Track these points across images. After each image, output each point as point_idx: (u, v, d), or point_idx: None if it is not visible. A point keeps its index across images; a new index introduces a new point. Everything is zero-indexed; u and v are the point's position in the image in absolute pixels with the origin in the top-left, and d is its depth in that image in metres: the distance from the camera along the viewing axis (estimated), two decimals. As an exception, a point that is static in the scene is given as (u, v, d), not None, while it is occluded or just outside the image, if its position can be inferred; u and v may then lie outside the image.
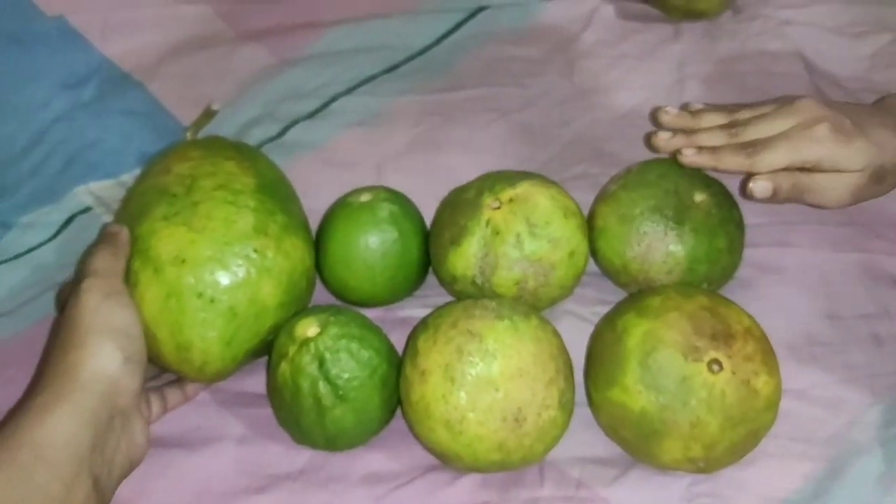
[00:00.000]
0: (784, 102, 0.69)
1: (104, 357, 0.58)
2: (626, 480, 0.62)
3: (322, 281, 0.72)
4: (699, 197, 0.69)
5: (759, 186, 0.65)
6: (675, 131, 0.71)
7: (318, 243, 0.70)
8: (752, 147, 0.67)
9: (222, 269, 0.62)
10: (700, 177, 0.70)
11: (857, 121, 0.67)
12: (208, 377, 0.64)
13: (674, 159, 0.70)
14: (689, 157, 0.67)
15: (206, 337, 0.62)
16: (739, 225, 0.71)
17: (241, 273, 0.62)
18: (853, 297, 0.73)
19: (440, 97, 0.90)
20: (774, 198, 0.67)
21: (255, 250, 0.63)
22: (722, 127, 0.70)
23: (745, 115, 0.70)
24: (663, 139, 0.70)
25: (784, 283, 0.74)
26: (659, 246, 0.68)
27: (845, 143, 0.65)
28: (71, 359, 0.57)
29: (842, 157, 0.65)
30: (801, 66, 0.91)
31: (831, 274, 0.74)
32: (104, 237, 0.64)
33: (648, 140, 0.72)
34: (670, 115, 0.73)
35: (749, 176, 0.68)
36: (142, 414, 0.61)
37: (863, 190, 0.67)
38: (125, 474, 0.59)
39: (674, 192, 0.69)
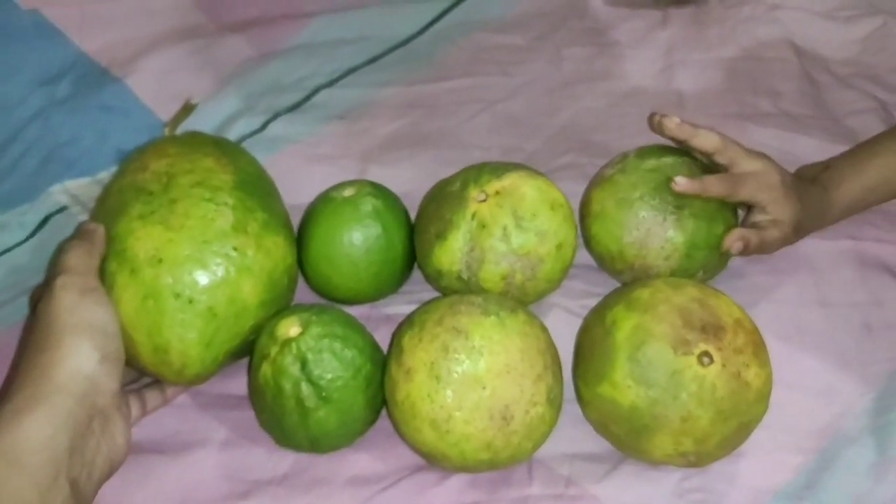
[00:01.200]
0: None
1: (81, 356, 0.56)
2: (616, 476, 0.61)
3: (305, 278, 0.71)
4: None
5: (736, 246, 0.69)
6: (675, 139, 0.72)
7: (301, 240, 0.69)
8: (733, 181, 0.69)
9: (201, 269, 0.61)
10: (698, 163, 0.70)
11: (788, 183, 0.72)
12: (188, 380, 0.63)
13: (671, 147, 0.71)
14: (682, 184, 0.67)
15: (185, 338, 0.61)
16: (735, 212, 0.70)
17: (220, 272, 0.61)
18: (844, 286, 0.72)
19: (424, 88, 0.89)
20: (745, 251, 0.70)
21: (235, 249, 0.62)
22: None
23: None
24: (674, 122, 0.70)
25: (774, 272, 0.73)
26: (658, 231, 0.67)
27: (786, 196, 0.70)
28: (46, 359, 0.55)
29: (782, 207, 0.70)
30: (790, 51, 0.90)
31: (822, 262, 0.74)
32: (79, 234, 0.62)
33: (652, 120, 0.71)
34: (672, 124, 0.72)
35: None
36: (122, 414, 0.59)
37: (788, 237, 0.72)
38: (105, 477, 0.58)
39: (673, 178, 0.68)
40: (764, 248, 0.71)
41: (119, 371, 0.58)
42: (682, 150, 0.71)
